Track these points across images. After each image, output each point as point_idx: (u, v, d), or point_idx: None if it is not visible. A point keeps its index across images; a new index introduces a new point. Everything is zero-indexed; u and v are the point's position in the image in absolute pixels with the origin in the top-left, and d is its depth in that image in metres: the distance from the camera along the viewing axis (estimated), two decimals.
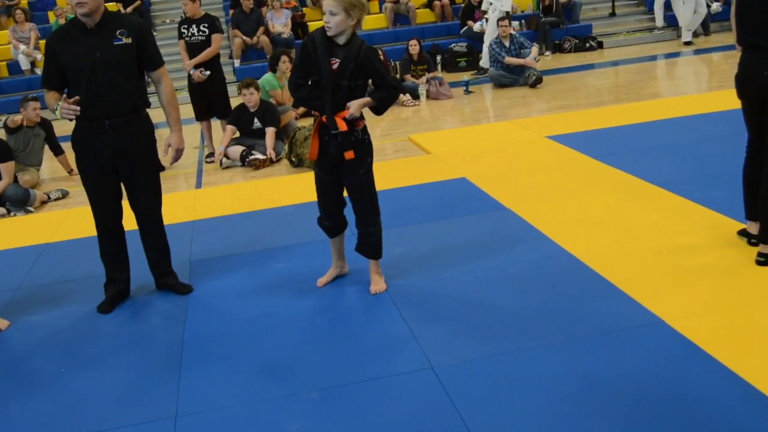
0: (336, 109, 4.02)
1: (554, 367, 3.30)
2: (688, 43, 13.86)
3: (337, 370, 3.49)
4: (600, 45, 14.71)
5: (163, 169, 4.65)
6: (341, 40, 3.98)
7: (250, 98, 8.22)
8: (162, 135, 4.87)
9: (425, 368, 3.40)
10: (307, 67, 4.05)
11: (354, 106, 3.98)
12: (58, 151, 8.42)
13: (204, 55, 8.29)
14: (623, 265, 4.26)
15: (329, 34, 3.94)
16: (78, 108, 4.08)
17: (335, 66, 3.96)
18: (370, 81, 4.09)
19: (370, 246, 4.31)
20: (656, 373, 3.18)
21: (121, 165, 4.33)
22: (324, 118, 4.06)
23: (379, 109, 4.13)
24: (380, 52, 10.97)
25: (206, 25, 8.34)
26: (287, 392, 3.36)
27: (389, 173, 6.84)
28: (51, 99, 4.29)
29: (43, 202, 7.55)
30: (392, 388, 3.28)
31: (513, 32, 11.73)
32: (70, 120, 4.20)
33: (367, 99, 4.05)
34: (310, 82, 4.09)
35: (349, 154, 4.06)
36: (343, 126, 4.01)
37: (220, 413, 3.26)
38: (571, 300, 3.92)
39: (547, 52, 14.45)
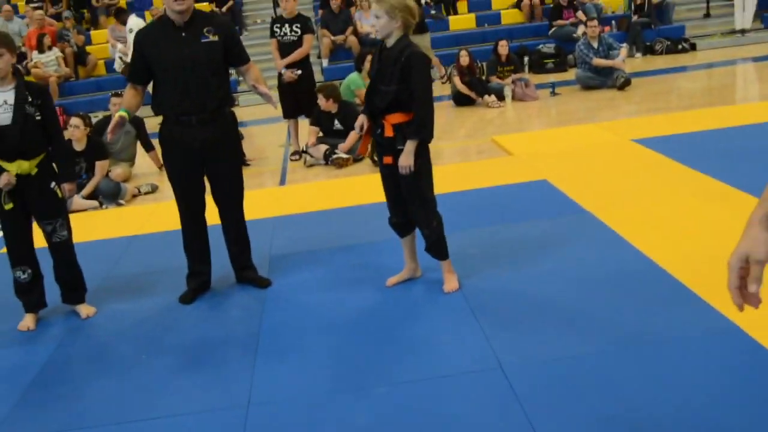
0: (374, 112, 4.06)
1: (625, 372, 3.25)
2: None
3: (407, 366, 3.53)
4: (693, 47, 14.26)
5: (246, 164, 4.76)
6: (389, 44, 4.01)
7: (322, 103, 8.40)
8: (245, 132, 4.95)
9: (494, 368, 3.40)
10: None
11: (404, 159, 3.98)
12: (148, 148, 8.67)
13: (295, 55, 8.40)
14: (702, 271, 4.15)
15: (375, 36, 4.06)
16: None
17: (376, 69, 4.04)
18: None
19: (430, 247, 4.30)
20: (730, 381, 3.10)
21: (206, 160, 4.45)
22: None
23: (423, 138, 4.00)
24: (465, 53, 10.99)
25: (299, 25, 8.43)
26: (357, 386, 3.42)
27: (470, 174, 6.85)
28: (129, 93, 4.47)
29: (134, 196, 7.84)
30: (460, 386, 3.30)
31: (602, 33, 11.55)
32: None
33: (409, 146, 3.97)
34: None
35: (387, 159, 4.10)
36: (388, 131, 4.04)
37: (290, 404, 3.33)
38: (646, 304, 3.86)
39: (637, 54, 14.14)
